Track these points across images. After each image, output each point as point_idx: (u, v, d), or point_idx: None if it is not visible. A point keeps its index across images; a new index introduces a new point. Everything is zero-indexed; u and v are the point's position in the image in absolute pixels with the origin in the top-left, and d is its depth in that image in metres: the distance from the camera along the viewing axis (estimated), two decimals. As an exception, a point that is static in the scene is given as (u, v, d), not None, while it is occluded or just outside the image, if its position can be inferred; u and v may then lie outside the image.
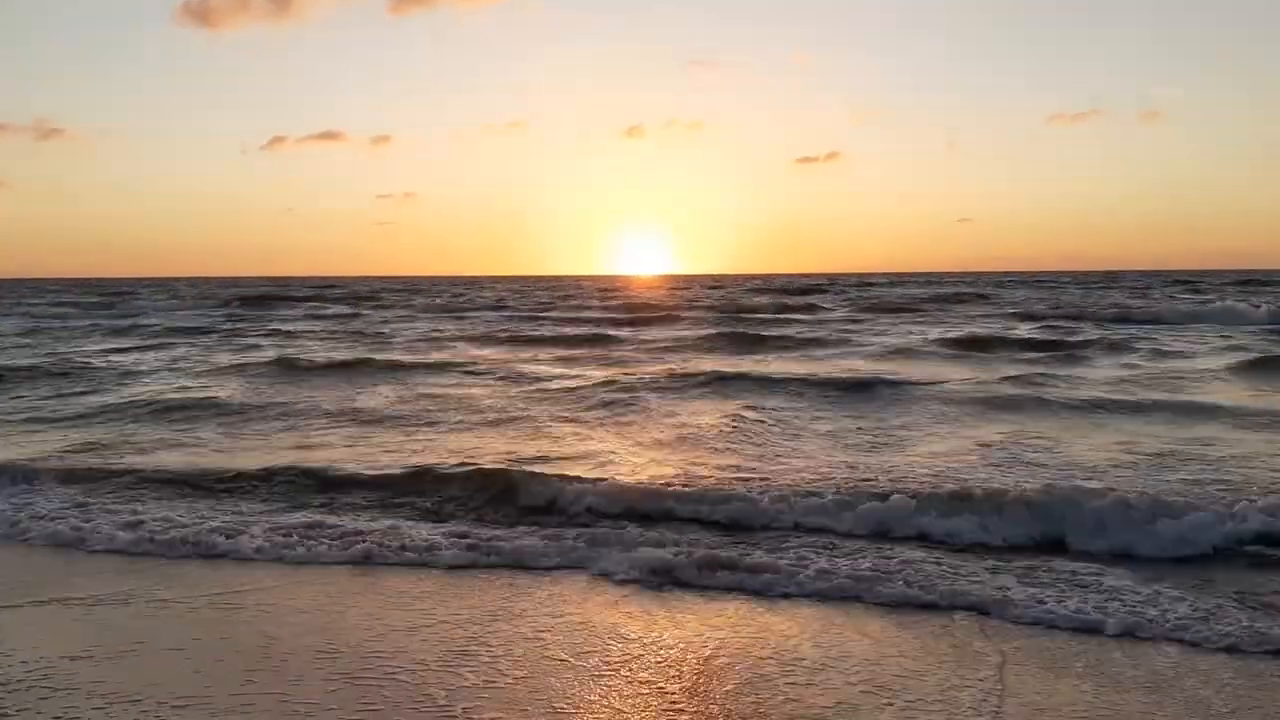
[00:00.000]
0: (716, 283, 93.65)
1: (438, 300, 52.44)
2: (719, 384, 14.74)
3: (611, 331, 26.93)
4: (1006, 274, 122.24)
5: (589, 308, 42.68)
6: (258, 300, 51.82)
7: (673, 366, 17.37)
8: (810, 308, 40.40)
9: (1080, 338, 22.77)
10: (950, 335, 23.71)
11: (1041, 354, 19.55)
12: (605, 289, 73.17)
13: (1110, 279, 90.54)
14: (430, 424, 11.60)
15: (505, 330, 28.05)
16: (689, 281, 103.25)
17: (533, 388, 14.78)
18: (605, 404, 12.98)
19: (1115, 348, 20.03)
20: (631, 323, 31.68)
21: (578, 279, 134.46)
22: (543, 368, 17.82)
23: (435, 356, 20.07)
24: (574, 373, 16.70)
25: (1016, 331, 25.42)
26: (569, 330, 27.75)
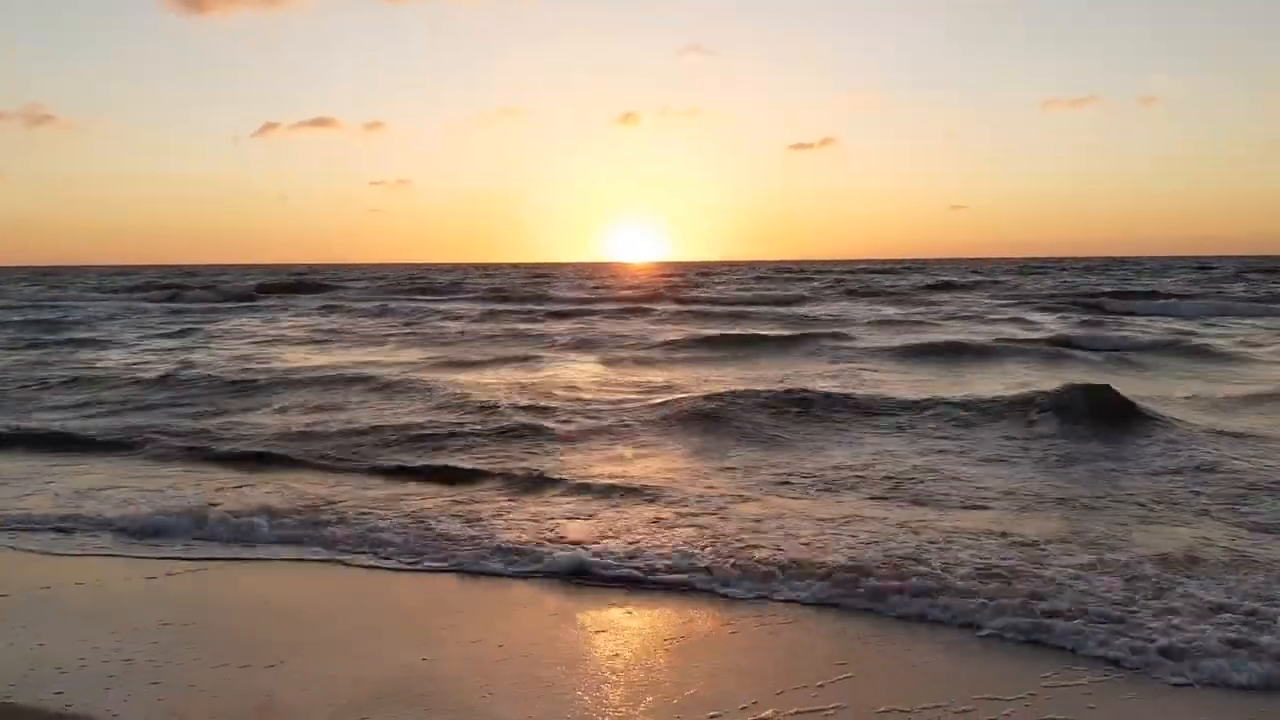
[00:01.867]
0: (708, 269, 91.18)
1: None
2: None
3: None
4: (1003, 260, 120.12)
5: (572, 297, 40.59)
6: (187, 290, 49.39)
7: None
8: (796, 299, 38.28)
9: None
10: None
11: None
12: (593, 277, 70.97)
13: (1114, 264, 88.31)
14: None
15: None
16: (681, 269, 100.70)
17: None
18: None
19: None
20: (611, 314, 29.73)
21: (573, 266, 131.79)
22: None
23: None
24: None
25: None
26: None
